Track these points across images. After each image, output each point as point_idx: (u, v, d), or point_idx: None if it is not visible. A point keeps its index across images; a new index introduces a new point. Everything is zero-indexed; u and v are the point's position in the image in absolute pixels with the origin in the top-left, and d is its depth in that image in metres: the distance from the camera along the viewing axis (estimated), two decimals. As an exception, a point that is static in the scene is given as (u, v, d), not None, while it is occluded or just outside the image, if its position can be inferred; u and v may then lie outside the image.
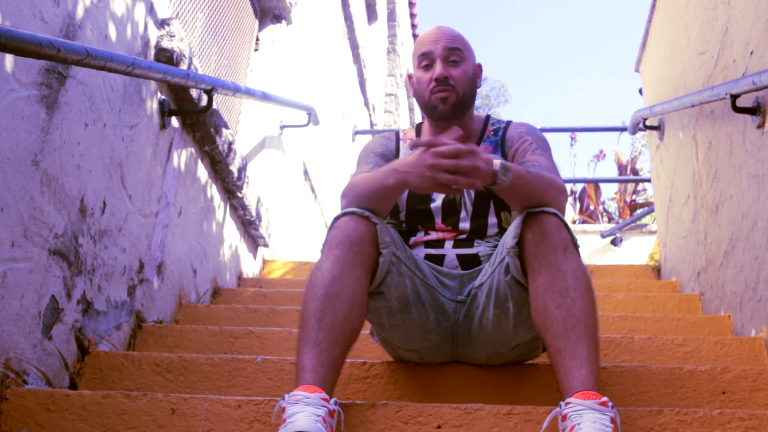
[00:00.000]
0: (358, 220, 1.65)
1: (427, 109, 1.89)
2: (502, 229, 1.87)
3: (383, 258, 1.64)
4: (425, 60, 1.87)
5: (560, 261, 1.53)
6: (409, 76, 1.97)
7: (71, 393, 1.61)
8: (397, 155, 1.98)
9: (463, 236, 1.86)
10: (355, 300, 1.58)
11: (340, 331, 1.53)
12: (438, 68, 1.84)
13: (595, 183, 8.43)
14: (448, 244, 1.86)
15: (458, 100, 1.85)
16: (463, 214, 1.87)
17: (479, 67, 1.94)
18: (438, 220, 1.89)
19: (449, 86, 1.84)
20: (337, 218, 1.67)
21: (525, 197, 1.63)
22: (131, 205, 2.32)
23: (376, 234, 1.65)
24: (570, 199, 8.52)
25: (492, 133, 1.96)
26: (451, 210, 1.88)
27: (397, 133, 2.05)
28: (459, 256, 1.83)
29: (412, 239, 1.90)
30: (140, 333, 2.39)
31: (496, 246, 1.85)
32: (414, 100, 12.01)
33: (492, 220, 1.87)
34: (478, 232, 1.86)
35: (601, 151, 9.90)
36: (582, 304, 1.49)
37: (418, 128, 2.03)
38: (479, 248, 1.85)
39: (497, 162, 1.54)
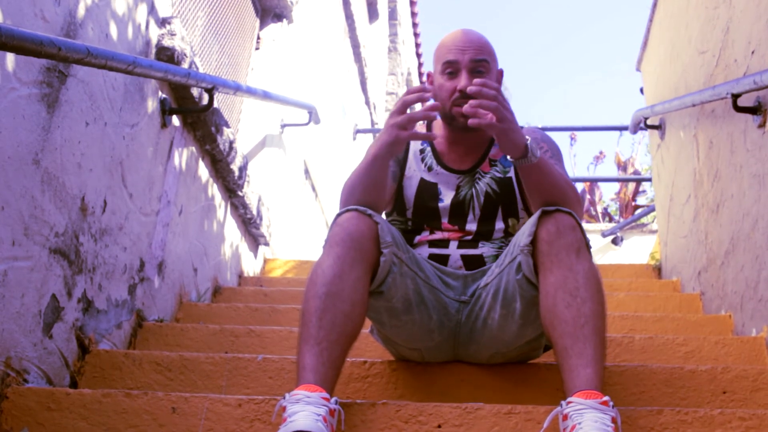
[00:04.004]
0: (360, 217, 1.64)
1: (446, 118, 1.88)
2: (507, 235, 1.87)
3: (384, 258, 1.64)
4: (450, 68, 1.83)
5: (573, 261, 1.54)
6: (429, 75, 1.94)
7: (72, 392, 1.61)
8: (407, 150, 1.96)
9: (469, 237, 1.86)
10: (356, 299, 1.57)
11: (340, 330, 1.53)
12: (463, 80, 1.80)
13: (596, 183, 8.43)
14: (453, 244, 1.85)
15: None
16: (470, 216, 1.87)
17: (501, 73, 1.91)
18: (444, 220, 1.88)
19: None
20: (338, 215, 1.67)
21: (547, 187, 1.65)
22: (132, 203, 2.32)
23: (378, 232, 1.64)
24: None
25: None
26: (458, 211, 1.87)
27: None
28: (463, 257, 1.83)
29: (417, 238, 1.89)
30: (141, 332, 2.39)
31: (500, 248, 1.84)
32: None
33: (499, 225, 1.87)
34: (483, 234, 1.86)
35: (601, 152, 9.91)
36: (592, 304, 1.50)
37: (429, 125, 2.01)
38: (484, 249, 1.84)
39: (529, 139, 1.62)
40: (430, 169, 1.93)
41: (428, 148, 1.96)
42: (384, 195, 1.77)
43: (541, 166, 1.64)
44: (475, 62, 1.82)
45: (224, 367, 1.96)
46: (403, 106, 1.66)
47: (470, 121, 1.58)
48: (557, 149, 1.92)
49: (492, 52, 1.88)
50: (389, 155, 1.69)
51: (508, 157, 1.66)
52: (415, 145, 1.97)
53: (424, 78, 1.97)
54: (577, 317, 1.48)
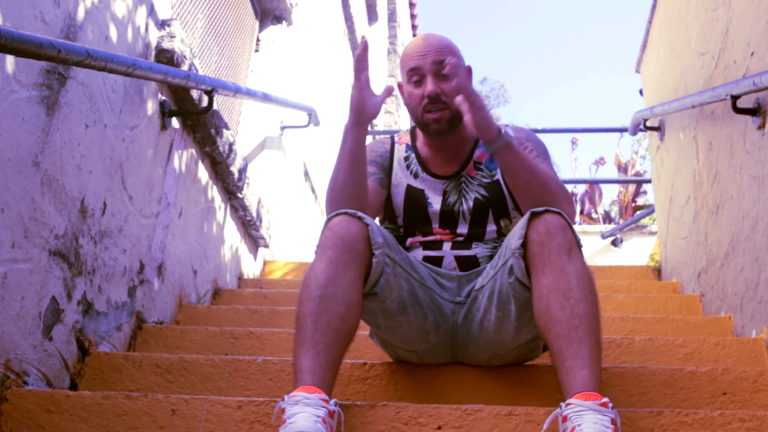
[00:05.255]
0: (350, 220, 1.64)
1: (420, 125, 1.90)
2: (501, 235, 1.87)
3: (376, 259, 1.64)
4: (415, 75, 1.85)
5: (564, 262, 1.53)
6: (399, 85, 1.95)
7: (72, 394, 1.61)
8: (391, 158, 1.98)
9: (461, 238, 1.86)
10: (350, 301, 1.57)
11: (336, 332, 1.53)
12: (429, 86, 1.82)
13: (597, 185, 8.43)
14: (446, 245, 1.86)
15: (452, 116, 1.85)
16: (461, 221, 1.88)
17: (469, 71, 1.92)
18: (435, 225, 1.89)
19: (442, 103, 1.83)
20: (329, 219, 1.67)
21: (529, 181, 1.68)
22: (132, 206, 2.32)
23: (368, 234, 1.64)
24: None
25: None
26: (449, 217, 1.88)
27: (392, 137, 2.05)
28: (457, 258, 1.83)
29: (410, 240, 1.90)
30: (140, 334, 2.39)
31: (494, 248, 1.85)
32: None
33: (491, 227, 1.87)
34: (476, 236, 1.86)
35: (601, 158, 9.91)
36: (585, 305, 1.49)
37: (413, 131, 2.03)
38: (477, 250, 1.85)
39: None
40: (416, 176, 1.94)
41: (413, 155, 1.97)
42: (365, 183, 1.78)
43: (517, 151, 1.69)
44: (437, 64, 1.84)
45: (224, 369, 1.96)
46: (357, 66, 1.73)
47: (456, 100, 1.68)
48: (543, 148, 1.92)
49: (455, 52, 1.89)
50: (359, 126, 1.75)
51: (483, 144, 1.72)
52: (399, 153, 1.98)
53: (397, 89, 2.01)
54: (570, 318, 1.48)
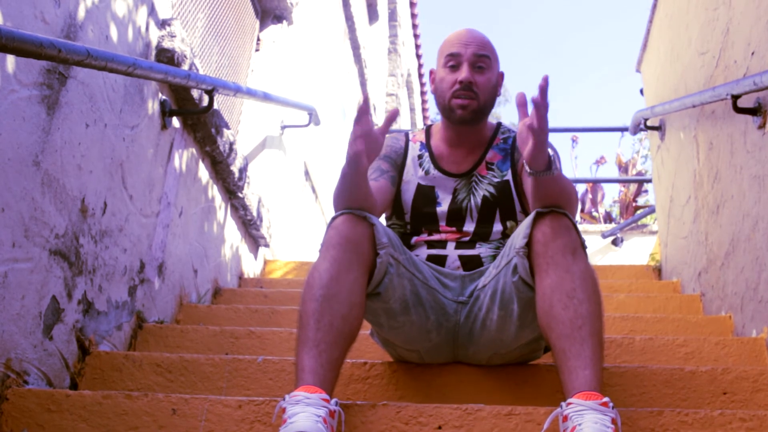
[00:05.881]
0: (355, 220, 1.64)
1: (445, 110, 1.88)
2: (505, 236, 1.87)
3: (380, 259, 1.64)
4: (452, 60, 1.86)
5: (569, 262, 1.53)
6: (431, 72, 1.96)
7: (72, 393, 1.61)
8: (405, 155, 1.98)
9: (466, 238, 1.86)
10: (353, 300, 1.57)
11: (338, 332, 1.53)
12: (464, 72, 1.83)
13: (597, 184, 8.44)
14: (450, 245, 1.86)
15: (478, 108, 1.85)
16: (468, 219, 1.88)
17: (501, 76, 1.92)
18: (442, 224, 1.89)
19: (472, 92, 1.84)
20: (334, 218, 1.67)
21: (556, 195, 1.60)
22: (132, 205, 2.32)
23: (374, 234, 1.64)
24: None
25: (502, 141, 1.96)
26: (456, 216, 1.88)
27: (406, 134, 2.05)
28: (461, 257, 1.84)
29: (414, 239, 1.90)
30: (141, 333, 2.39)
31: (498, 248, 1.85)
32: (414, 101, 12.04)
33: (497, 227, 1.87)
34: (481, 235, 1.87)
35: (602, 157, 9.91)
36: (589, 305, 1.49)
37: (428, 130, 2.03)
38: (481, 250, 1.85)
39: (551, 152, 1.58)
40: (427, 173, 1.94)
41: (426, 154, 1.97)
42: (371, 197, 1.71)
43: (557, 178, 1.59)
44: (477, 56, 1.85)
45: (224, 368, 1.96)
46: (358, 118, 1.60)
47: (534, 98, 1.49)
48: (555, 151, 1.92)
49: (494, 52, 1.90)
50: (357, 167, 1.62)
51: (528, 168, 1.57)
52: (413, 151, 1.98)
53: (426, 78, 1.98)
54: (574, 318, 1.48)
